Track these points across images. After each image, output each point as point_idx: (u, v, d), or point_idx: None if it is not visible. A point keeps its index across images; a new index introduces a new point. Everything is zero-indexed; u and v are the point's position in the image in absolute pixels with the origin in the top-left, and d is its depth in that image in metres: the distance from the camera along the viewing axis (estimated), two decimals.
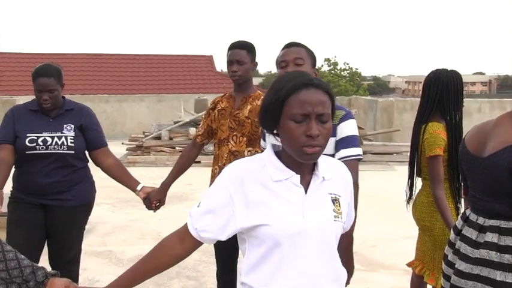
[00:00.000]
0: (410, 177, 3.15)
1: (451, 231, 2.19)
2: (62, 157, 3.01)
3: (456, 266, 2.04)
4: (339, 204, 1.60)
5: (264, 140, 2.77)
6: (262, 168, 1.56)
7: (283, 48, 2.53)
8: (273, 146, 1.62)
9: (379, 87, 70.99)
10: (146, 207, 3.22)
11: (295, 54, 2.46)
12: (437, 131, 2.91)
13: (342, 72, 44.33)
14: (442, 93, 2.95)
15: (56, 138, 3.00)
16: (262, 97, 2.77)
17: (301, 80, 1.51)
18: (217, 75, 21.49)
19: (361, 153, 2.45)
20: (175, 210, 5.92)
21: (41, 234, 3.09)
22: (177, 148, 10.88)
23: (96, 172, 3.27)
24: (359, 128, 11.79)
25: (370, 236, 5.45)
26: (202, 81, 20.76)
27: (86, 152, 3.19)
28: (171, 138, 11.30)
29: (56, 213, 3.05)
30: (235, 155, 3.00)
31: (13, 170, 3.05)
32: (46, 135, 2.99)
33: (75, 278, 3.17)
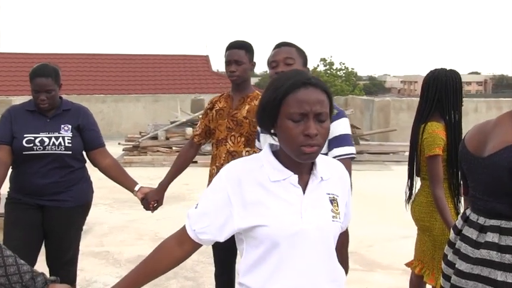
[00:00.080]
0: (410, 177, 3.14)
1: (451, 231, 2.19)
2: (59, 158, 2.99)
3: (456, 266, 2.03)
4: (337, 204, 1.59)
5: (259, 141, 2.75)
6: (259, 168, 1.55)
7: (274, 49, 2.53)
8: (271, 145, 1.61)
9: (375, 87, 71.12)
10: (144, 207, 3.20)
11: (285, 54, 2.46)
12: (436, 130, 2.91)
13: (338, 72, 44.33)
14: (441, 92, 2.96)
15: (53, 139, 2.98)
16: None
17: (300, 78, 1.49)
18: (214, 75, 21.47)
19: (354, 151, 2.44)
20: (172, 210, 5.91)
21: (38, 235, 3.07)
22: (173, 148, 10.88)
23: (93, 172, 3.26)
24: (356, 127, 11.85)
25: (367, 235, 5.45)
26: (198, 81, 20.73)
27: (84, 153, 3.18)
28: (167, 138, 11.29)
29: (53, 214, 3.04)
30: (233, 155, 2.99)
31: (10, 170, 3.03)
32: (43, 135, 2.97)
33: (72, 279, 3.17)
